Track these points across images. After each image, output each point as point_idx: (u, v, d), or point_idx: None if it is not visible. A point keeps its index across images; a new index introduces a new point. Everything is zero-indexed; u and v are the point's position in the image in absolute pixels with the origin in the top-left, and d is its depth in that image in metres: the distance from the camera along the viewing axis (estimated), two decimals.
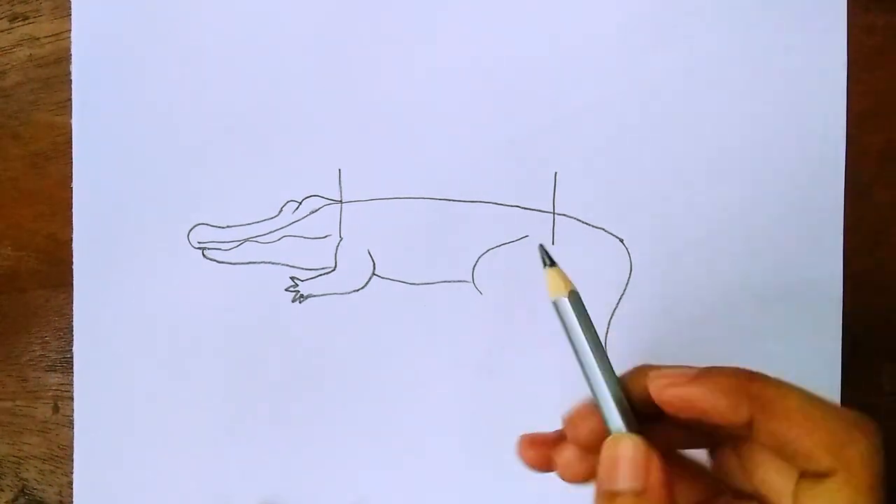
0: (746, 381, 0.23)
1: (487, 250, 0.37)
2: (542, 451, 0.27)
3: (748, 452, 0.25)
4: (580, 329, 0.25)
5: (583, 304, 0.26)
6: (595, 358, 0.25)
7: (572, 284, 0.26)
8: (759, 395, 0.23)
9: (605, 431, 0.25)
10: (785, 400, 0.23)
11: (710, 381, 0.23)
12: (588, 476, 0.26)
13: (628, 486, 0.23)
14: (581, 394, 0.34)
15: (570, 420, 0.26)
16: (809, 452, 0.22)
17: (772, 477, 0.25)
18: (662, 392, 0.24)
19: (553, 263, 0.26)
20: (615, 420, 0.24)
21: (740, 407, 0.23)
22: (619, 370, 0.32)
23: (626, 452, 0.24)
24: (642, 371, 0.25)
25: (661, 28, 0.36)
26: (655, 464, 0.23)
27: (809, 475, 0.23)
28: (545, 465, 0.28)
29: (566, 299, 0.26)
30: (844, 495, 0.22)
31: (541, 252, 0.27)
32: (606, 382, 0.25)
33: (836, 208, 0.36)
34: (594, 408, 0.25)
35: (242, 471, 0.37)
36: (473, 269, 0.37)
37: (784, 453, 0.23)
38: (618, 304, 0.36)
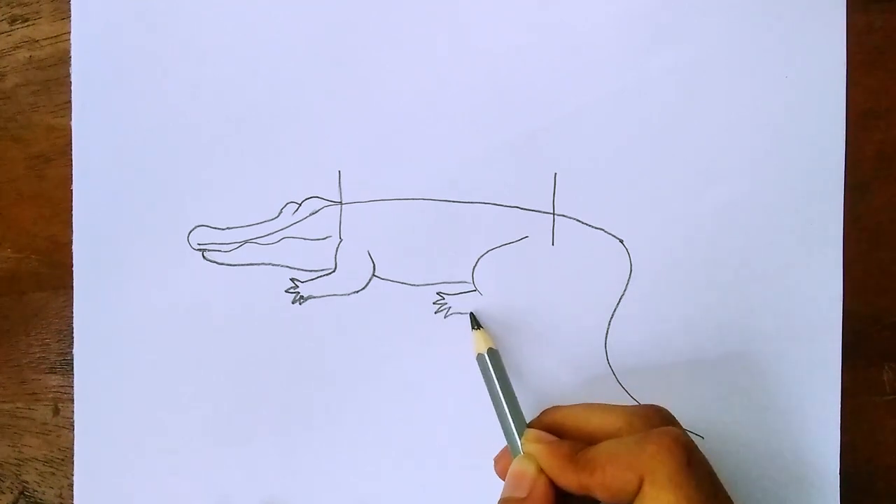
0: (574, 451, 0.29)
1: (487, 251, 0.37)
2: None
3: None
4: (495, 379, 0.33)
5: (500, 359, 0.34)
6: (506, 404, 0.33)
7: (492, 343, 0.35)
8: (581, 458, 0.28)
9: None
10: (594, 452, 0.28)
11: (557, 449, 0.30)
12: None
13: (518, 494, 0.30)
14: (584, 397, 0.35)
15: (496, 460, 0.33)
16: (618, 483, 0.27)
17: None
18: (528, 447, 0.31)
19: (479, 327, 0.36)
20: (516, 448, 0.32)
21: (570, 470, 0.28)
22: (619, 371, 0.36)
23: (520, 468, 0.30)
24: (547, 413, 0.32)
25: (661, 28, 0.36)
26: (541, 480, 0.29)
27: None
28: None
29: (485, 355, 0.34)
30: (653, 497, 0.26)
31: (470, 318, 0.36)
32: (512, 421, 0.32)
33: (835, 208, 0.36)
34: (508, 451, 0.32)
35: (243, 472, 0.37)
36: (473, 269, 0.37)
37: (617, 497, 0.27)
38: (618, 304, 0.36)
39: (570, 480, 0.28)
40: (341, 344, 0.37)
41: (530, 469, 0.30)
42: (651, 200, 0.36)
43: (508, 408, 0.33)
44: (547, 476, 0.29)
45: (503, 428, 0.32)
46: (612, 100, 0.36)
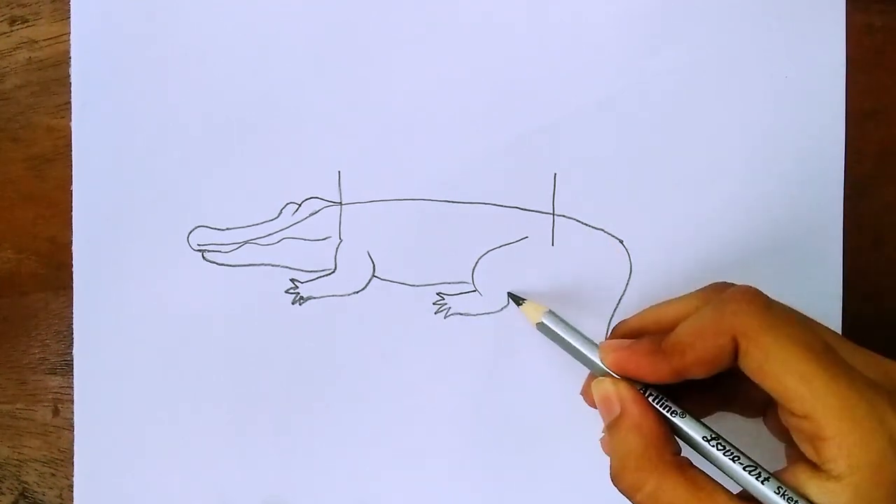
0: (657, 344, 0.28)
1: (487, 251, 0.37)
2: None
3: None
4: (566, 336, 0.32)
5: (557, 316, 0.33)
6: (585, 350, 0.31)
7: (543, 307, 0.33)
8: (666, 347, 0.27)
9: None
10: (677, 336, 0.27)
11: (637, 349, 0.29)
12: None
13: (613, 415, 0.28)
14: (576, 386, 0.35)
15: (583, 392, 0.32)
16: (711, 354, 0.26)
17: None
18: (609, 360, 0.29)
19: (522, 302, 0.35)
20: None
21: (660, 363, 0.28)
22: None
23: (603, 391, 0.29)
24: (617, 329, 0.32)
25: (661, 28, 0.36)
26: (624, 389, 0.28)
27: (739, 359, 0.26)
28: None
29: (544, 320, 0.33)
30: (757, 358, 0.25)
31: (510, 297, 0.36)
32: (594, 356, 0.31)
33: (835, 208, 0.36)
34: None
35: (243, 472, 0.37)
36: (473, 270, 0.37)
37: (715, 368, 0.26)
38: (618, 304, 0.36)
39: (662, 371, 0.27)
40: (341, 344, 0.37)
41: (610, 386, 0.29)
42: (651, 200, 0.36)
43: (588, 351, 0.31)
44: (629, 385, 0.28)
45: (591, 365, 0.31)
46: (612, 100, 0.36)
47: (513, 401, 0.36)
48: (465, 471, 0.37)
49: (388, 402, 0.37)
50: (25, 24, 0.39)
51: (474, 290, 0.36)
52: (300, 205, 0.37)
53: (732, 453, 0.27)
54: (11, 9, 0.39)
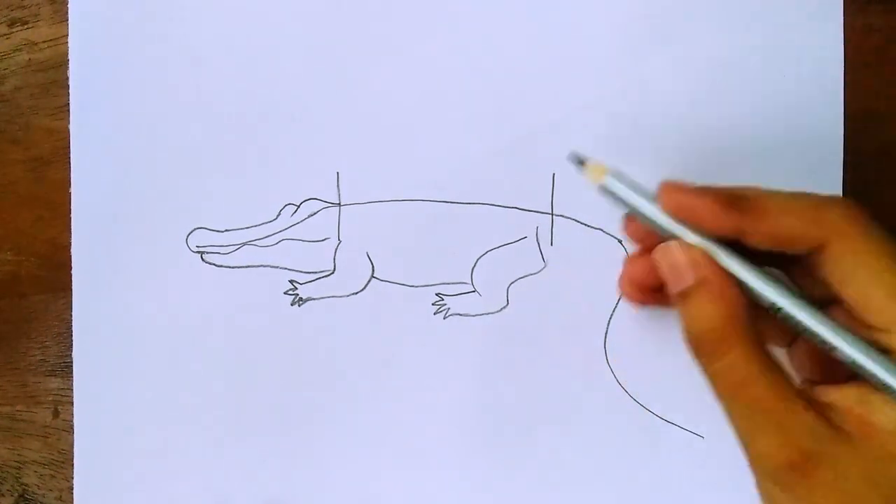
0: (735, 197, 0.27)
1: (486, 252, 0.37)
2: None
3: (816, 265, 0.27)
4: (633, 194, 0.29)
5: (622, 175, 0.30)
6: (650, 208, 0.29)
7: (606, 165, 0.30)
8: (743, 204, 0.27)
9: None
10: (761, 200, 0.27)
11: (705, 193, 0.27)
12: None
13: (684, 283, 0.27)
14: (584, 397, 0.34)
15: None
16: (794, 233, 0.26)
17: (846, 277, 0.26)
18: (668, 198, 0.28)
19: (584, 162, 0.30)
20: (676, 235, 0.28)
21: (729, 213, 0.26)
22: (618, 371, 0.36)
23: (673, 256, 0.27)
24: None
25: (659, 28, 0.36)
26: (699, 255, 0.27)
27: (815, 253, 0.26)
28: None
29: (610, 178, 0.29)
30: (849, 261, 0.26)
31: (573, 159, 0.31)
32: (663, 216, 0.28)
33: None
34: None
35: (243, 474, 0.37)
36: (472, 270, 0.37)
37: (782, 245, 0.26)
38: (616, 304, 0.36)
39: (724, 222, 0.26)
40: (340, 345, 0.37)
41: (681, 253, 0.27)
42: None
43: (657, 210, 0.28)
44: (704, 251, 0.27)
45: (659, 227, 0.28)
46: (610, 100, 0.36)
47: (513, 401, 0.36)
48: (466, 471, 0.37)
49: (387, 402, 0.37)
50: (25, 26, 0.39)
51: (473, 291, 0.36)
52: (299, 206, 0.37)
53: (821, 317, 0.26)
54: (11, 11, 0.39)
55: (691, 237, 0.28)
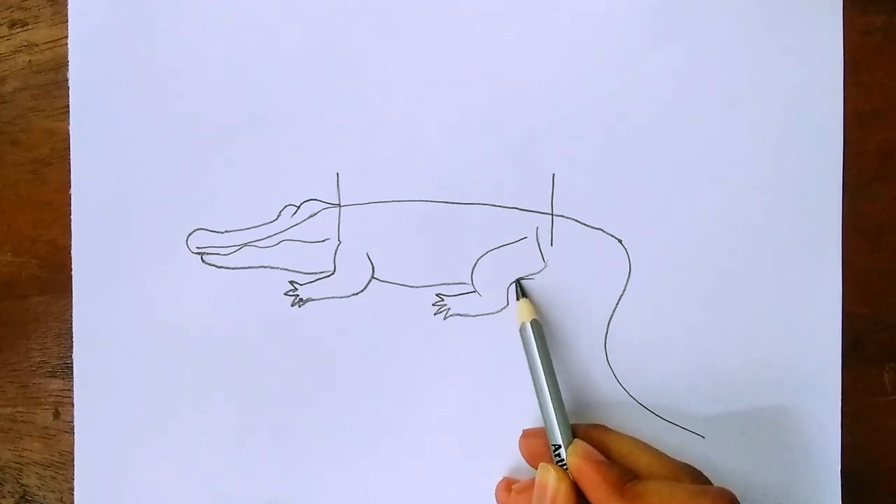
0: (621, 480, 0.29)
1: (486, 252, 0.37)
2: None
3: None
4: (537, 353, 0.33)
5: (542, 332, 0.33)
6: (546, 381, 0.32)
7: (536, 314, 0.34)
8: (628, 491, 0.29)
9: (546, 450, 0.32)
10: (640, 486, 0.29)
11: (599, 467, 0.30)
12: None
13: (542, 502, 0.30)
14: (584, 397, 0.35)
15: (525, 435, 0.34)
16: None
17: None
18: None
19: (524, 296, 0.34)
20: (554, 434, 0.32)
21: (614, 496, 0.29)
22: (618, 371, 0.37)
23: (548, 481, 0.30)
24: (596, 430, 0.33)
25: (659, 29, 0.36)
26: (567, 490, 0.30)
27: None
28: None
29: (528, 325, 0.33)
30: None
31: (516, 287, 0.35)
32: (552, 401, 0.32)
33: (835, 208, 0.36)
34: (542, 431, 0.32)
35: (243, 475, 0.37)
36: (472, 271, 0.37)
37: None
38: (617, 304, 0.36)
39: (607, 500, 0.29)
40: (341, 346, 0.37)
41: (555, 481, 0.30)
42: (650, 200, 0.36)
43: (549, 386, 0.32)
44: (571, 488, 0.30)
45: (542, 407, 0.32)
46: (611, 100, 0.36)
47: (513, 401, 0.36)
48: (466, 472, 0.37)
49: (388, 403, 0.37)
50: (25, 28, 0.39)
51: (473, 291, 0.36)
52: (299, 207, 0.37)
53: None
54: (11, 12, 0.39)
55: (556, 434, 0.32)
